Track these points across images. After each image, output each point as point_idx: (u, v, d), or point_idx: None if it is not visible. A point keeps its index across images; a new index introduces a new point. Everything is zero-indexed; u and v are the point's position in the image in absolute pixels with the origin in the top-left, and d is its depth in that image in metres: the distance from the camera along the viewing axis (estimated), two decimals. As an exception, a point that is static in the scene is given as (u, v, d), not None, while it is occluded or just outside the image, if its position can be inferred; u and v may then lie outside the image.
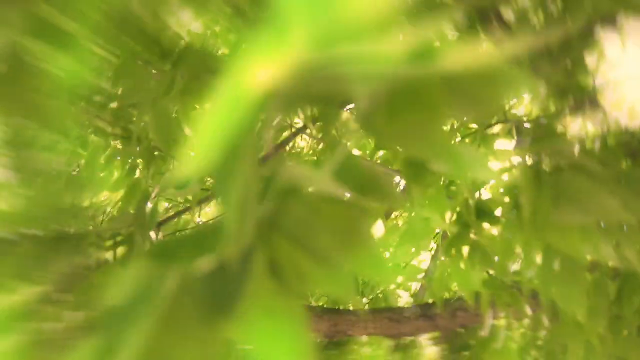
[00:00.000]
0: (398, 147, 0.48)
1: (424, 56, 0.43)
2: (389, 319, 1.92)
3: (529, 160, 0.81)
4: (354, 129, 0.52)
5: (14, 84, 0.73)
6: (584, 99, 1.12)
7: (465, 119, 0.50)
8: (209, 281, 0.42)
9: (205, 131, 0.33)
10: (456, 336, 1.93)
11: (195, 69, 1.04)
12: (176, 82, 1.04)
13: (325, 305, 2.24)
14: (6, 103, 0.75)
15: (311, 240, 0.46)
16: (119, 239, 1.20)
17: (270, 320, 0.43)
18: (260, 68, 0.32)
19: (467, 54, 0.43)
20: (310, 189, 0.46)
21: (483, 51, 0.44)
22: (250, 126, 0.36)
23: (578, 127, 1.08)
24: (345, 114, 0.48)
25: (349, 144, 0.55)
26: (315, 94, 0.44)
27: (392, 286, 2.42)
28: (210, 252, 0.40)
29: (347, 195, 0.49)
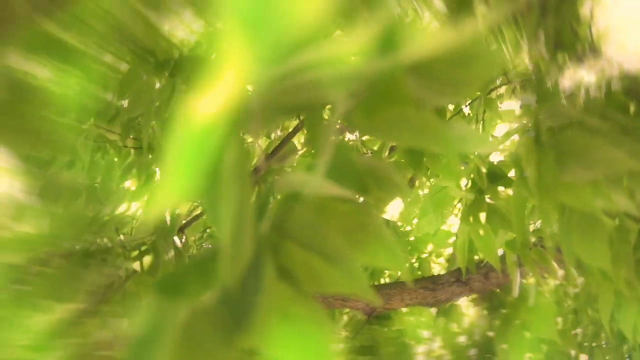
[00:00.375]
0: (386, 140, 0.49)
1: (388, 47, 0.43)
2: (424, 288, 1.93)
3: (528, 124, 0.81)
4: (340, 128, 0.52)
5: (16, 112, 0.74)
6: (583, 48, 1.11)
7: (443, 101, 0.51)
8: (221, 298, 0.42)
9: (173, 164, 0.34)
10: (492, 296, 1.94)
11: (192, 76, 1.06)
12: (176, 89, 1.05)
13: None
14: (12, 133, 0.75)
15: (320, 241, 0.46)
16: (143, 248, 1.22)
17: (290, 326, 0.43)
18: (203, 99, 0.33)
19: (435, 38, 0.44)
20: (311, 193, 0.47)
21: (452, 33, 0.44)
22: (223, 149, 0.37)
23: (580, 77, 1.07)
24: (328, 115, 0.49)
25: (339, 142, 0.55)
26: (294, 102, 0.45)
27: (425, 254, 2.43)
28: (215, 279, 0.41)
29: (349, 193, 0.49)
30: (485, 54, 0.48)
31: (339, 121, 0.50)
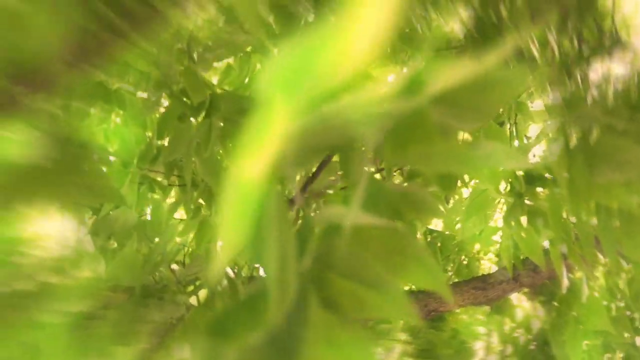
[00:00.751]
0: (416, 167, 0.51)
1: (413, 89, 0.45)
2: (475, 289, 1.94)
3: (557, 130, 0.82)
4: (370, 160, 0.55)
5: (68, 169, 0.77)
6: (609, 42, 1.11)
7: (467, 126, 0.52)
8: (269, 335, 0.45)
9: (228, 222, 0.36)
10: (544, 288, 1.94)
11: (227, 114, 1.10)
12: (213, 128, 1.09)
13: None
14: (65, 189, 0.78)
15: (361, 270, 0.48)
16: (198, 283, 1.25)
17: (337, 353, 0.45)
18: (252, 160, 0.36)
19: (457, 70, 0.46)
20: (349, 224, 0.49)
21: (476, 62, 0.46)
22: (267, 200, 0.40)
23: (608, 71, 1.06)
24: (360, 149, 0.52)
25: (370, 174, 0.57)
26: (327, 142, 0.47)
27: (473, 253, 2.43)
28: (262, 317, 0.44)
29: (384, 221, 0.51)
30: (509, 77, 0.49)
31: (370, 155, 0.53)
